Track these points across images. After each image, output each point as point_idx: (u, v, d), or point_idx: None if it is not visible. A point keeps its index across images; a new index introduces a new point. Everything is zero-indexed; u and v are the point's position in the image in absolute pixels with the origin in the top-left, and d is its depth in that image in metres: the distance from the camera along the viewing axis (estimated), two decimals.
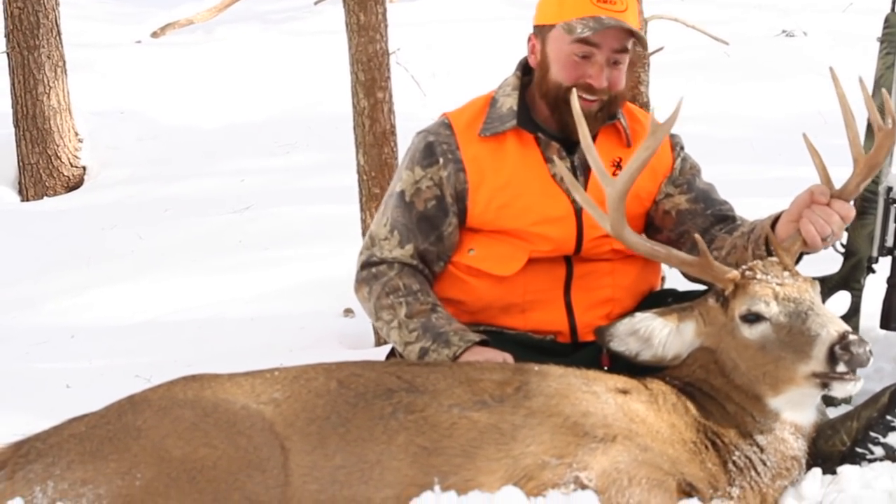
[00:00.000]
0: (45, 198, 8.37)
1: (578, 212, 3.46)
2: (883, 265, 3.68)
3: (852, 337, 2.83)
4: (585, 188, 3.40)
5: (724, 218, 3.49)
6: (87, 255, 6.70)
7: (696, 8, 10.91)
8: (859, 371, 2.86)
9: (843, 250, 3.69)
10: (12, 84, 8.33)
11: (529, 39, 3.56)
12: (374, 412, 2.86)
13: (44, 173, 8.41)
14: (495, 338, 3.38)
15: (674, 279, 3.70)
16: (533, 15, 3.57)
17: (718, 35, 9.48)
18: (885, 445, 3.08)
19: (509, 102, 3.52)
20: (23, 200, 8.43)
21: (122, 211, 7.63)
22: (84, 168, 8.57)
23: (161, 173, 8.43)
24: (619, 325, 3.11)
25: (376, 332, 4.87)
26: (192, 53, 11.46)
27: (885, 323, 3.68)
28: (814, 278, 3.07)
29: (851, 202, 3.14)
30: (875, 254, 3.66)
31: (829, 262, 3.61)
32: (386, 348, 3.76)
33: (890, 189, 3.62)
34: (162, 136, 9.17)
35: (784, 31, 11.18)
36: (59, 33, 8.36)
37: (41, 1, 8.24)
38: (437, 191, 3.50)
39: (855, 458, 3.07)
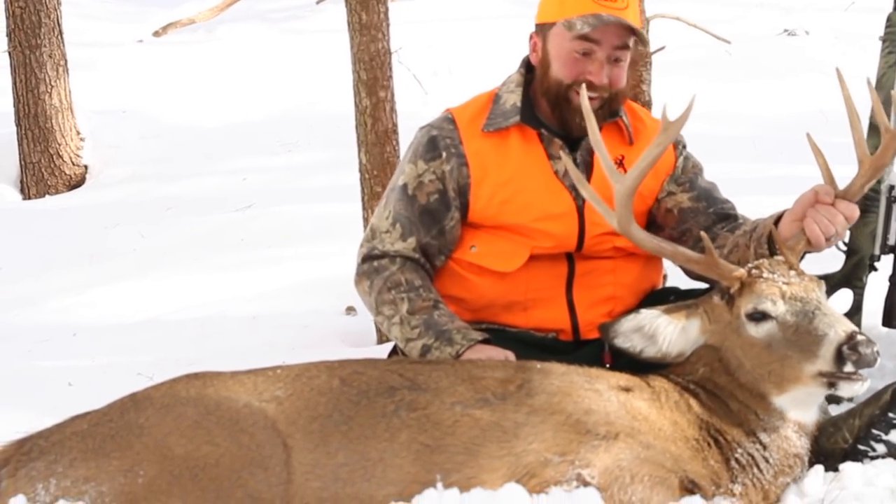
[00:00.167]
0: (47, 196, 8.37)
1: (580, 208, 3.46)
2: (885, 263, 3.68)
3: (860, 337, 2.83)
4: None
5: (726, 216, 3.49)
6: (89, 253, 6.70)
7: (698, 7, 10.89)
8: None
9: (845, 248, 3.69)
10: (14, 83, 8.33)
11: (531, 38, 3.57)
12: (376, 410, 2.87)
13: (46, 172, 8.40)
14: (497, 336, 3.38)
15: (675, 277, 3.71)
16: (534, 13, 3.58)
17: (720, 34, 9.47)
18: (887, 443, 3.08)
19: (513, 99, 3.52)
20: (25, 199, 8.43)
21: (124, 209, 7.63)
22: (86, 167, 8.57)
23: (163, 172, 8.42)
24: (624, 321, 3.11)
25: (378, 330, 4.88)
26: (193, 52, 11.46)
27: (887, 321, 3.68)
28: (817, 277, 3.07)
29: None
30: (877, 252, 3.66)
31: (831, 260, 3.61)
32: (388, 346, 3.76)
33: (892, 188, 3.61)
34: (164, 135, 9.17)
35: (786, 30, 11.16)
36: (60, 32, 8.35)
37: (43, 0, 8.24)
38: (439, 185, 3.50)
39: (857, 456, 3.07)
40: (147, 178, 8.37)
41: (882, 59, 3.73)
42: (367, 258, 3.54)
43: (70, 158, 8.45)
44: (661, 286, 3.72)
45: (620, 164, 3.48)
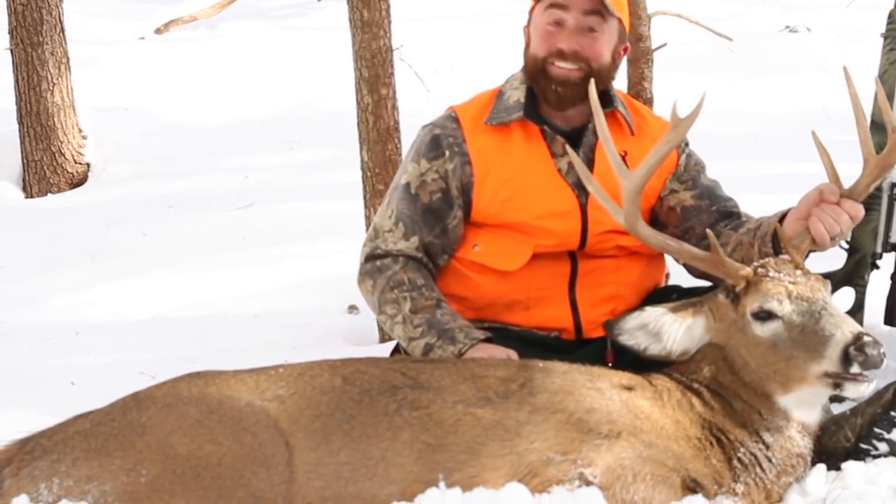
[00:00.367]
0: (49, 194, 8.36)
1: (583, 206, 3.47)
2: (887, 261, 3.68)
3: (867, 338, 2.82)
4: None
5: (729, 214, 3.49)
6: (92, 251, 6.70)
7: (699, 4, 10.89)
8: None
9: (847, 247, 3.69)
10: (16, 81, 8.32)
11: (524, 31, 3.60)
12: (378, 409, 2.87)
13: (48, 170, 8.40)
14: (500, 334, 3.38)
15: (678, 276, 3.70)
16: None
17: (722, 31, 9.46)
18: (889, 442, 3.08)
19: (516, 95, 3.53)
20: (27, 197, 8.43)
21: (126, 207, 7.62)
22: (88, 165, 8.56)
23: (165, 170, 8.42)
24: (629, 319, 3.11)
25: (381, 329, 4.88)
26: (195, 50, 11.46)
27: (889, 319, 3.68)
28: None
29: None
30: (879, 250, 3.66)
31: (833, 258, 3.61)
32: (390, 345, 3.76)
33: (894, 185, 3.61)
34: (166, 133, 9.16)
35: (788, 27, 11.17)
36: (62, 30, 8.35)
37: None
38: (442, 183, 3.50)
39: (859, 455, 3.07)
40: (149, 176, 8.36)
41: (884, 56, 3.72)
42: (369, 257, 3.54)
43: (72, 156, 8.45)
44: (663, 285, 3.71)
45: (623, 159, 3.47)
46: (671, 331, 3.08)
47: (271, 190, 7.51)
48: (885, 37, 3.73)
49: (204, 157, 8.65)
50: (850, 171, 3.14)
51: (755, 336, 2.97)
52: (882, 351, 2.82)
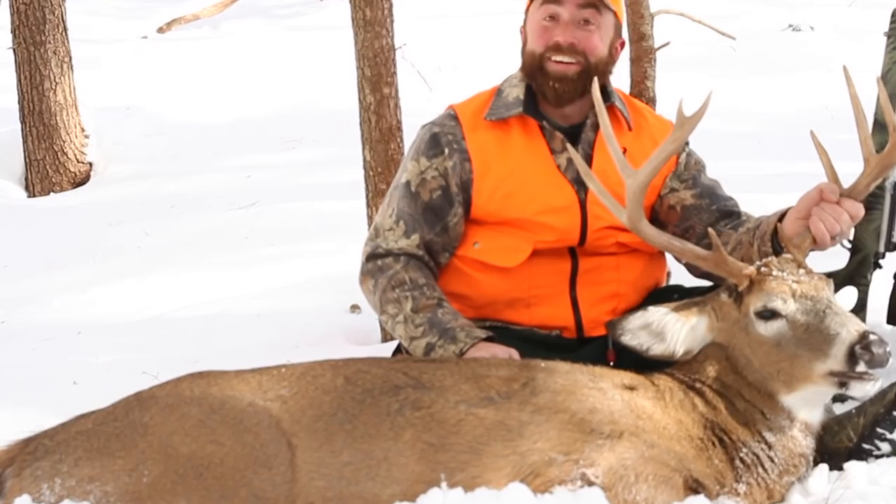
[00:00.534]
0: (52, 194, 8.37)
1: (583, 202, 3.47)
2: (889, 260, 3.67)
3: (873, 337, 2.82)
4: None
5: (730, 213, 3.49)
6: (94, 251, 6.70)
7: (702, 2, 10.86)
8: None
9: (849, 246, 3.68)
10: (19, 80, 8.33)
11: (521, 32, 3.61)
12: (380, 409, 2.86)
13: (50, 169, 8.40)
14: (501, 333, 3.39)
15: (679, 275, 3.70)
16: None
17: (725, 30, 9.45)
18: (891, 441, 3.08)
19: (515, 92, 3.54)
20: (29, 196, 8.43)
21: (128, 207, 7.63)
22: (90, 164, 8.57)
23: (167, 169, 8.42)
24: (632, 318, 3.10)
25: (383, 329, 4.87)
26: (197, 49, 11.46)
27: (892, 318, 3.68)
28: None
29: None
30: (881, 249, 3.65)
31: (835, 257, 3.60)
32: (392, 345, 3.76)
33: None
34: (168, 132, 9.17)
35: (790, 26, 11.16)
36: (65, 29, 8.35)
37: None
38: (442, 181, 3.51)
39: (861, 455, 3.06)
40: (151, 176, 8.37)
41: (887, 55, 3.72)
42: (371, 257, 3.54)
43: (74, 156, 8.45)
44: (664, 284, 3.71)
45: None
46: (674, 331, 3.07)
47: (273, 189, 7.51)
48: (889, 35, 3.72)
49: (206, 156, 8.66)
50: (854, 169, 3.13)
51: (759, 335, 2.97)
52: (888, 349, 2.82)
